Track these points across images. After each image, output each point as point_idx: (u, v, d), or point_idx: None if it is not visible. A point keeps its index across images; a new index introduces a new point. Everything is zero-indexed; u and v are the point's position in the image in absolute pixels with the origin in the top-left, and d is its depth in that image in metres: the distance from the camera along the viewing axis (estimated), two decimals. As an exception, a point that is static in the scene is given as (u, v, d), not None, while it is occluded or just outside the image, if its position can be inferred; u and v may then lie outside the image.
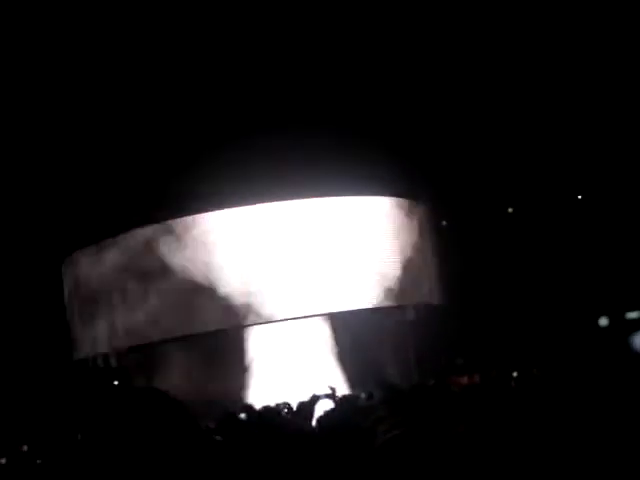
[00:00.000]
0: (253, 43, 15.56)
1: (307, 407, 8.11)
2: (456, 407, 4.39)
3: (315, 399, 8.25)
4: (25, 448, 10.35)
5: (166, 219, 15.04)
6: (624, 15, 15.45)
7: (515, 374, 9.79)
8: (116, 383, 18.58)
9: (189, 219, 14.89)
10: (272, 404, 9.25)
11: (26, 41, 14.80)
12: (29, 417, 16.07)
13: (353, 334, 15.31)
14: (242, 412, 8.21)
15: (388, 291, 15.24)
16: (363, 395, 9.56)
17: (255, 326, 14.96)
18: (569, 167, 19.01)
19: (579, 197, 20.00)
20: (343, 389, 13.09)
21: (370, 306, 15.05)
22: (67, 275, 16.78)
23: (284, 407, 8.76)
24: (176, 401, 1.95)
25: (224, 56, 15.72)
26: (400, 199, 16.20)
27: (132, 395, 1.97)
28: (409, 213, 16.26)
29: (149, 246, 14.97)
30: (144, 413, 1.90)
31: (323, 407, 7.35)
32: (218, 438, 5.79)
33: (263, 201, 14.82)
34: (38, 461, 7.63)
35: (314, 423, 7.17)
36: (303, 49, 15.71)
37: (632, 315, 17.50)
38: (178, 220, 14.94)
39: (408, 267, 15.74)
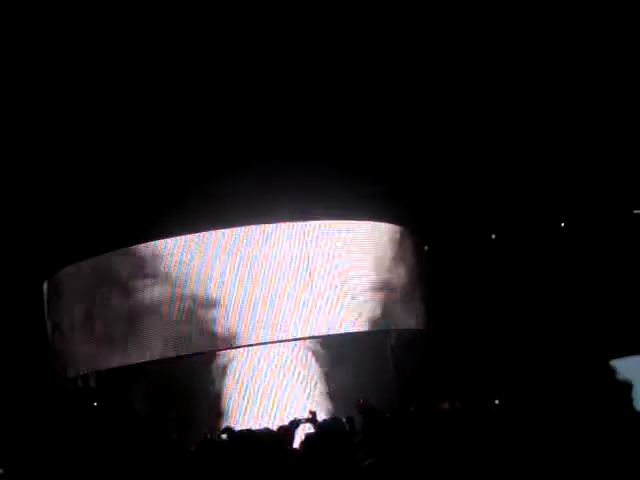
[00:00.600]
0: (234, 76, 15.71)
1: (288, 431, 8.08)
2: (436, 432, 4.39)
3: (296, 423, 8.23)
4: (1, 471, 10.21)
5: (134, 243, 15.00)
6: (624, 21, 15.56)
7: (497, 401, 9.78)
8: (95, 404, 18.45)
9: (169, 240, 14.84)
10: (253, 427, 9.22)
11: (25, 46, 14.81)
12: (7, 437, 15.90)
13: (334, 358, 15.27)
14: (223, 434, 8.18)
15: (369, 316, 15.21)
16: (344, 420, 9.52)
17: (235, 351, 14.88)
18: (552, 194, 19.13)
19: (562, 225, 20.11)
20: (324, 414, 13.04)
21: (351, 331, 15.02)
22: (48, 292, 16.71)
23: (265, 431, 8.73)
24: (158, 426, 1.95)
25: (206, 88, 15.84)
26: (383, 223, 16.22)
27: (114, 419, 1.97)
28: (392, 237, 16.28)
29: (135, 267, 14.90)
30: (125, 437, 1.90)
31: (304, 431, 7.33)
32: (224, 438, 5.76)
33: (240, 224, 14.81)
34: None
35: (295, 446, 7.15)
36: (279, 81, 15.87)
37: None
38: (163, 240, 14.89)
39: (390, 291, 15.73)
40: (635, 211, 18.99)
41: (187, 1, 14.99)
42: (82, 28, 14.76)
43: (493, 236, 20.78)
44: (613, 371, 3.97)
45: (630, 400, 3.75)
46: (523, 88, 16.97)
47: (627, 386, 3.80)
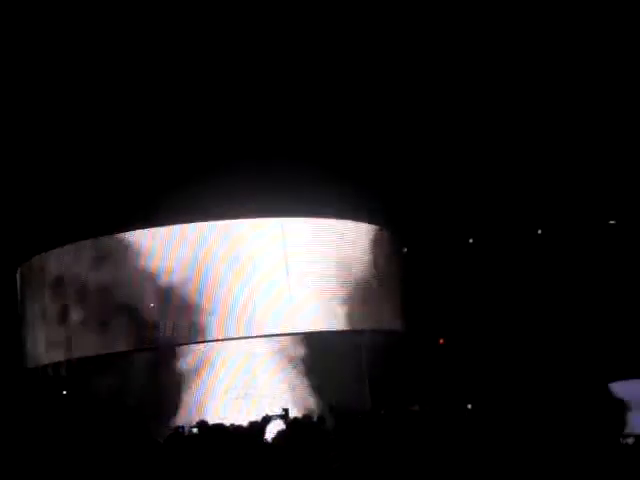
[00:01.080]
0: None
1: (258, 427, 8.05)
2: (406, 435, 4.38)
3: (267, 419, 8.21)
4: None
5: (107, 233, 14.93)
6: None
7: (469, 406, 9.81)
8: (65, 393, 18.32)
9: (151, 230, 14.77)
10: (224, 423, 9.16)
11: (26, 44, 14.72)
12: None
13: (309, 357, 15.27)
14: (194, 427, 8.14)
15: (345, 315, 15.23)
16: (315, 419, 9.52)
17: (209, 345, 14.84)
18: (532, 199, 19.21)
19: (539, 232, 20.21)
20: (296, 411, 13.02)
21: (326, 329, 15.03)
22: (21, 281, 16.58)
23: (236, 427, 8.70)
24: (132, 415, 1.92)
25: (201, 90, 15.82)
26: (362, 224, 16.25)
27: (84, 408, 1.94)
28: (371, 238, 16.31)
29: (105, 257, 14.82)
30: (96, 427, 1.87)
31: (275, 428, 7.31)
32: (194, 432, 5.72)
33: (219, 218, 14.77)
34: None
35: (265, 442, 7.12)
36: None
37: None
38: (134, 232, 14.82)
39: (366, 292, 15.76)
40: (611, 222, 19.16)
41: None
42: (81, 24, 14.69)
43: (470, 240, 20.84)
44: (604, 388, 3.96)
45: (623, 422, 3.74)
46: (509, 90, 17.03)
47: (622, 407, 3.78)
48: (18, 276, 16.68)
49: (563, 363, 15.98)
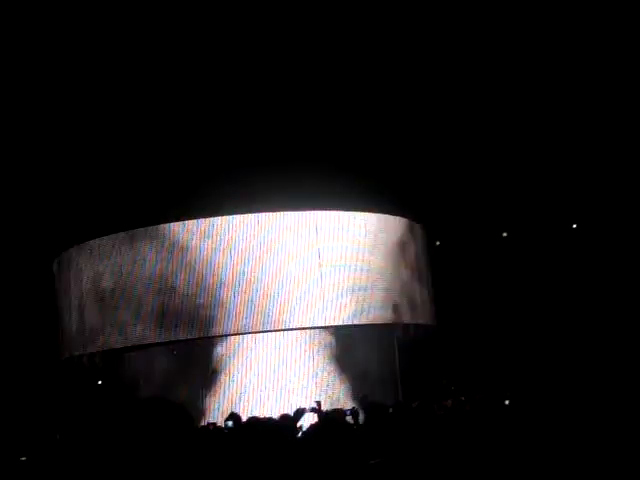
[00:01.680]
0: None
1: (291, 420, 8.10)
2: (439, 429, 4.39)
3: (300, 412, 8.24)
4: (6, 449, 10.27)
5: (149, 224, 15.03)
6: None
7: (507, 401, 9.74)
8: (100, 383, 18.55)
9: (179, 224, 14.86)
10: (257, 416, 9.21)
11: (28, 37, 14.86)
12: (14, 416, 16.01)
13: (340, 351, 15.28)
14: (229, 421, 8.19)
15: (378, 309, 15.21)
16: (348, 412, 9.54)
17: (242, 338, 14.91)
18: (566, 194, 19.08)
19: (574, 226, 20.06)
20: (328, 405, 13.05)
21: (358, 323, 15.02)
22: (57, 272, 16.75)
23: (269, 421, 8.73)
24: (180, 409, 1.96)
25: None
26: (394, 217, 16.20)
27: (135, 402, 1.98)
28: (403, 231, 16.27)
29: (141, 249, 14.93)
30: (146, 419, 1.91)
31: (308, 421, 7.34)
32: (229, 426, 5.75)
33: (251, 211, 14.81)
34: (22, 458, 7.59)
35: (298, 436, 7.15)
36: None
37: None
38: (161, 226, 14.91)
39: (399, 285, 15.73)
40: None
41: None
42: (82, 19, 14.80)
43: (504, 234, 20.74)
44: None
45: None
46: (527, 85, 16.91)
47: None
48: (55, 266, 16.86)
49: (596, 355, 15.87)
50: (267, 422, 8.00)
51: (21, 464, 7.25)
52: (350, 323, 14.95)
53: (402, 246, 16.08)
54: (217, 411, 14.21)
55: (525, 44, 16.22)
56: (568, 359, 16.73)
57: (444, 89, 16.83)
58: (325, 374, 15.13)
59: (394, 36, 15.78)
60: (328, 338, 15.35)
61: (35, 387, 17.99)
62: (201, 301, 14.44)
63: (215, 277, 14.44)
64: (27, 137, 16.59)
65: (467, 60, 16.47)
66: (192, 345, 14.94)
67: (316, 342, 15.34)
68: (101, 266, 15.33)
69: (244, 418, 9.18)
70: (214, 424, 10.23)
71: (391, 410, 7.22)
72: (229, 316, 14.42)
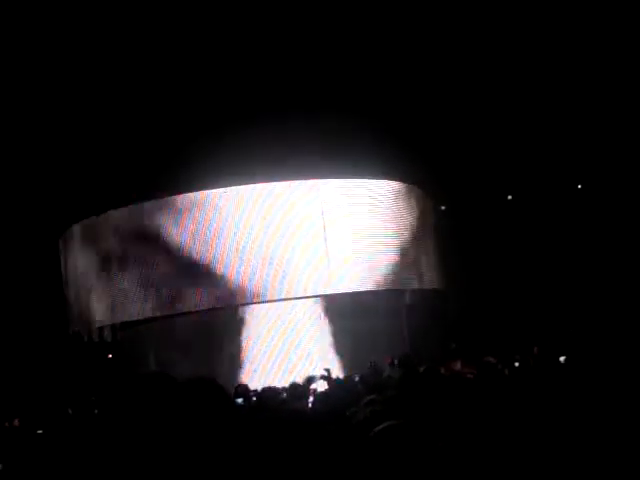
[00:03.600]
0: (259, 34, 15.62)
1: (302, 388, 8.14)
2: (447, 392, 4.37)
3: (310, 380, 8.27)
4: (17, 422, 10.32)
5: (166, 195, 15.02)
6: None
7: (516, 363, 9.75)
8: (110, 357, 18.64)
9: (190, 195, 14.85)
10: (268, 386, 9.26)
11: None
12: (24, 390, 16.11)
13: (348, 317, 15.30)
14: (237, 392, 8.21)
15: (385, 275, 15.24)
16: (356, 378, 9.57)
17: (250, 307, 14.95)
18: (570, 155, 18.98)
19: (579, 186, 20.00)
20: (337, 372, 13.11)
21: (366, 289, 15.05)
22: (65, 248, 16.77)
23: (280, 390, 8.76)
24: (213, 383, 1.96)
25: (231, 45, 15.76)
26: (399, 183, 16.16)
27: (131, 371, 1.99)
28: (408, 197, 16.24)
29: (148, 221, 14.94)
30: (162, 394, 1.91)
31: (318, 388, 7.37)
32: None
33: (261, 181, 14.79)
34: (38, 431, 7.64)
35: (309, 403, 7.19)
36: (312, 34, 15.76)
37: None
38: (179, 196, 14.90)
39: (406, 251, 15.73)
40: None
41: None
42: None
43: (509, 197, 20.69)
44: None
45: None
46: (548, 48, 16.76)
47: None
48: (61, 242, 16.88)
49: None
50: (276, 390, 8.04)
51: (37, 437, 7.31)
52: (357, 290, 14.98)
53: (408, 212, 16.06)
54: (226, 380, 14.30)
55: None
56: (575, 320, 16.76)
57: (453, 51, 16.69)
58: (334, 342, 15.18)
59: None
60: (335, 306, 15.37)
61: (46, 361, 18.10)
62: (211, 272, 14.47)
63: (222, 247, 14.46)
64: (34, 115, 16.54)
65: (479, 25, 16.32)
66: (202, 316, 14.98)
67: (325, 310, 15.38)
68: (108, 240, 15.37)
69: (252, 387, 9.24)
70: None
71: (423, 371, 7.15)
72: (236, 288, 14.46)
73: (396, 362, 9.35)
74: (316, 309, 15.32)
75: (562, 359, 8.50)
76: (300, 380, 8.65)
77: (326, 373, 8.97)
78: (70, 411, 9.45)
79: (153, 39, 15.60)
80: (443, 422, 3.41)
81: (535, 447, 3.23)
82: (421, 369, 7.28)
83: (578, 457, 3.15)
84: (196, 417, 1.94)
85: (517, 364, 9.70)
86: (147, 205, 15.10)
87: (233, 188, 14.72)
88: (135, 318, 15.25)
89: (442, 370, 9.08)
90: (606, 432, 3.34)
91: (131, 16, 15.12)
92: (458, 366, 12.66)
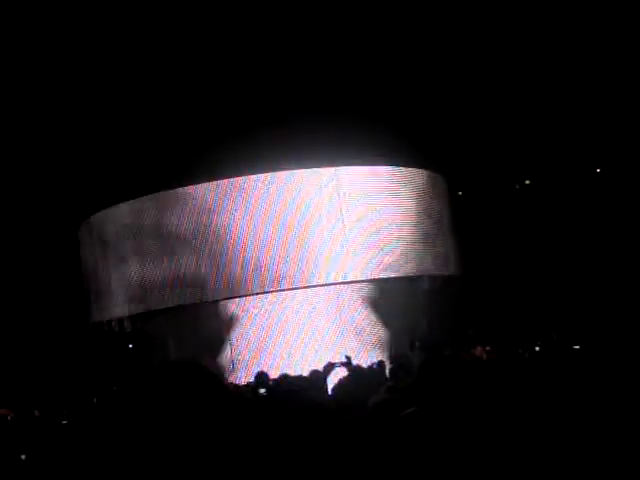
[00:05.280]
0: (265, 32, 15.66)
1: (321, 375, 8.17)
2: (468, 378, 4.37)
3: (330, 367, 8.29)
4: (37, 413, 10.41)
5: (183, 184, 15.05)
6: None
7: (537, 348, 9.75)
8: (130, 347, 18.77)
9: (207, 185, 14.87)
10: (287, 373, 9.29)
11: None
12: (44, 380, 16.25)
13: (366, 305, 15.32)
14: (257, 380, 8.25)
15: (402, 262, 15.22)
16: (375, 365, 9.59)
17: (270, 294, 14.97)
18: (588, 140, 18.88)
19: (597, 170, 19.89)
20: (357, 359, 13.14)
21: (384, 277, 15.04)
22: (84, 239, 16.84)
23: (299, 379, 8.79)
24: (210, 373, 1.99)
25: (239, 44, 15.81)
26: (417, 169, 16.12)
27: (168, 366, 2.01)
28: (426, 183, 16.20)
29: (168, 211, 14.96)
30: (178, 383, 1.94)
31: (338, 375, 7.39)
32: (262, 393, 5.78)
33: (276, 169, 14.77)
34: (60, 421, 7.71)
35: (328, 390, 7.22)
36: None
37: None
38: (196, 186, 14.92)
39: (423, 237, 15.70)
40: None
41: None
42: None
43: (527, 182, 20.61)
44: None
45: None
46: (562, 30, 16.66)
47: None
48: (81, 232, 16.95)
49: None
50: (295, 378, 8.07)
51: (62, 428, 7.38)
52: (375, 277, 14.98)
53: (424, 198, 16.03)
54: (244, 369, 14.35)
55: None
56: (591, 306, 16.71)
57: (464, 38, 16.63)
58: (353, 329, 15.19)
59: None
60: (353, 293, 15.39)
61: (67, 351, 18.24)
62: (225, 261, 14.49)
63: (238, 237, 14.48)
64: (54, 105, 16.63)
65: (490, 13, 16.26)
66: (222, 305, 15.04)
67: (342, 298, 15.39)
68: (126, 230, 15.43)
69: (272, 376, 9.27)
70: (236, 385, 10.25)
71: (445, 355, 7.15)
72: (255, 275, 14.48)
73: (417, 344, 9.30)
74: (334, 297, 15.32)
75: (576, 347, 8.49)
76: (320, 368, 8.66)
77: (346, 360, 8.99)
78: (95, 400, 9.54)
79: (168, 41, 15.66)
80: (464, 409, 3.42)
81: (554, 436, 3.25)
82: (445, 354, 7.28)
83: (593, 446, 3.16)
84: (197, 402, 1.97)
85: (537, 349, 9.70)
86: (164, 195, 15.13)
87: (245, 178, 14.72)
88: (155, 308, 15.31)
89: (463, 355, 9.09)
90: (618, 420, 3.35)
91: (153, 13, 15.18)
92: (478, 351, 12.68)
